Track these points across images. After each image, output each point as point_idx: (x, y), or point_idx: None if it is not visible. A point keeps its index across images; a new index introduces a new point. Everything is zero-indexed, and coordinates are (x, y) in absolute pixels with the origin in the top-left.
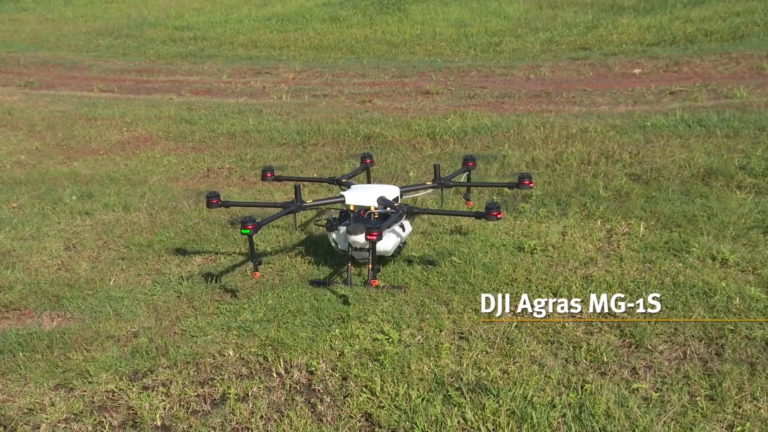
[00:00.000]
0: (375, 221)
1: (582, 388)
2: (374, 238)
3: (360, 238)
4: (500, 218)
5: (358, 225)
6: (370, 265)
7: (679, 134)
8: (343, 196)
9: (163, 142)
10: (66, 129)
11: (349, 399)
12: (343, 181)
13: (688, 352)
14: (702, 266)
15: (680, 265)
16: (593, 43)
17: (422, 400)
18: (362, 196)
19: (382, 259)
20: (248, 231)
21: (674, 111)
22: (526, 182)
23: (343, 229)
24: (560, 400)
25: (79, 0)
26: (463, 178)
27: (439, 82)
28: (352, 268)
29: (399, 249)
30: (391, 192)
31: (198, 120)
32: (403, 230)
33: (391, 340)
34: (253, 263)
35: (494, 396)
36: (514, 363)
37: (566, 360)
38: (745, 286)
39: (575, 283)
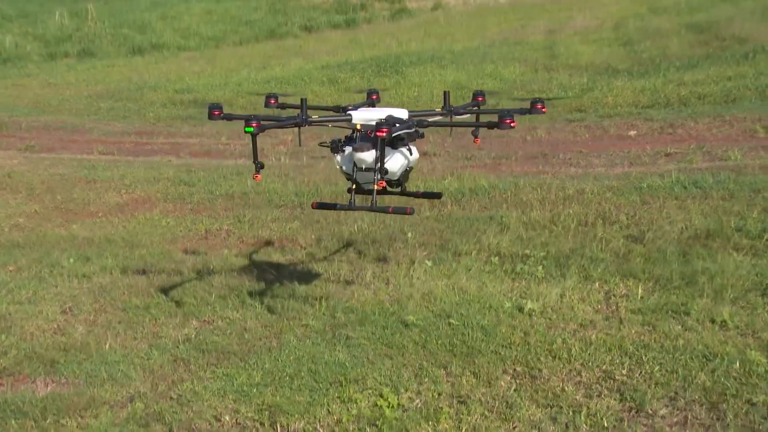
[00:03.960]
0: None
1: None
2: (383, 134)
3: (366, 156)
4: (514, 126)
5: (364, 143)
6: (378, 165)
7: (675, 196)
8: (350, 114)
9: (161, 204)
10: (65, 192)
11: None
12: (350, 109)
13: (689, 417)
14: (702, 329)
15: (680, 327)
16: (588, 105)
17: None
18: (370, 115)
19: (388, 183)
20: (252, 129)
21: (670, 172)
22: (539, 106)
23: (348, 149)
24: None
25: (81, 65)
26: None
27: (437, 143)
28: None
29: (406, 173)
30: (400, 113)
31: (197, 182)
32: (411, 154)
33: (389, 404)
34: (255, 165)
35: None
36: (513, 428)
37: (566, 425)
38: (745, 349)
39: (574, 346)
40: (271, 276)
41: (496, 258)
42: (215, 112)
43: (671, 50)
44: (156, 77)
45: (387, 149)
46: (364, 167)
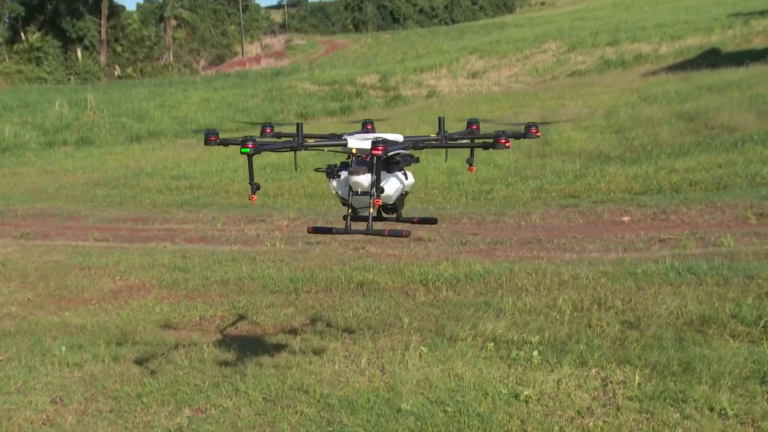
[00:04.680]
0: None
1: None
2: (380, 152)
3: (362, 179)
4: (508, 146)
5: (360, 167)
6: (374, 185)
7: (670, 281)
8: (345, 139)
9: (156, 290)
10: (59, 279)
11: None
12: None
13: None
14: (700, 417)
15: (678, 415)
16: (582, 191)
17: None
18: (365, 140)
19: (383, 208)
20: (248, 150)
21: (664, 258)
22: (533, 130)
23: (344, 174)
24: None
25: (79, 153)
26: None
27: (431, 229)
28: (351, 215)
29: (401, 198)
30: (396, 138)
31: (191, 268)
32: (406, 179)
33: None
34: (251, 186)
35: None
36: None
37: None
38: None
39: None
40: (263, 363)
41: (492, 344)
42: (211, 137)
43: (662, 138)
44: (153, 164)
45: (382, 173)
46: (359, 191)
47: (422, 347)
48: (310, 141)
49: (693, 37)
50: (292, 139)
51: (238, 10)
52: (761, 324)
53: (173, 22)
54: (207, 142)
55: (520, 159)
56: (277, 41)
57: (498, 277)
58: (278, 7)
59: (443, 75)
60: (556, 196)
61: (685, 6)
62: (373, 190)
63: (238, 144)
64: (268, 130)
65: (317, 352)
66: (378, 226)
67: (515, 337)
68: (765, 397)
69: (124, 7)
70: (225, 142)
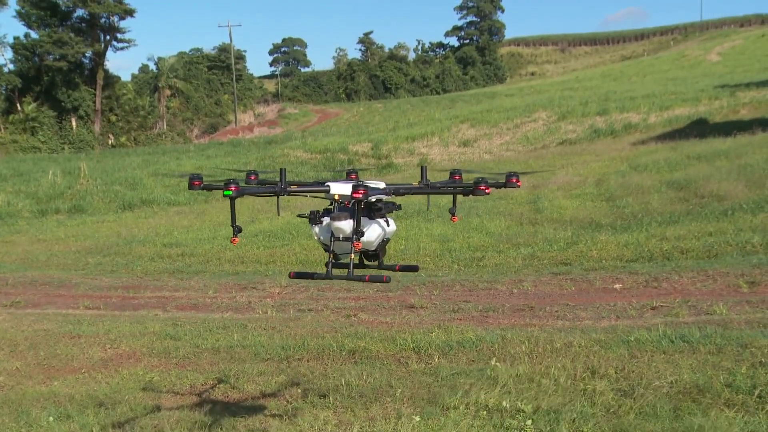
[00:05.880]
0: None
1: None
2: (360, 195)
3: (344, 225)
4: (488, 193)
5: (342, 213)
6: (355, 228)
7: (663, 350)
8: (328, 185)
9: (146, 358)
10: (49, 348)
11: None
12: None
13: None
14: None
15: None
16: (574, 258)
17: None
18: (347, 187)
19: (365, 255)
20: (230, 193)
21: (656, 326)
22: (513, 180)
23: (326, 220)
24: None
25: (71, 221)
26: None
27: (424, 296)
28: (333, 260)
29: (383, 244)
30: (377, 185)
31: (183, 336)
32: (388, 225)
33: None
34: (232, 229)
35: None
36: None
37: None
38: None
39: None
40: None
41: (485, 412)
42: (195, 182)
43: (652, 206)
44: (145, 232)
45: (364, 219)
46: (341, 237)
47: (415, 416)
48: (293, 187)
49: (681, 107)
50: (275, 184)
51: (232, 79)
52: (756, 393)
53: (167, 92)
54: (191, 187)
55: (512, 226)
56: (269, 110)
57: (490, 344)
58: (271, 76)
59: (435, 143)
60: (548, 263)
61: (672, 77)
62: (355, 229)
63: (221, 188)
64: (252, 177)
65: (308, 422)
66: (359, 272)
67: (508, 406)
68: None
69: (119, 78)
70: (209, 187)
